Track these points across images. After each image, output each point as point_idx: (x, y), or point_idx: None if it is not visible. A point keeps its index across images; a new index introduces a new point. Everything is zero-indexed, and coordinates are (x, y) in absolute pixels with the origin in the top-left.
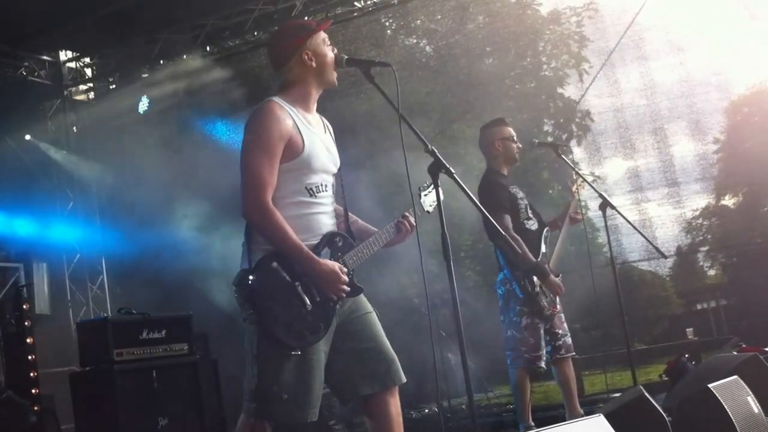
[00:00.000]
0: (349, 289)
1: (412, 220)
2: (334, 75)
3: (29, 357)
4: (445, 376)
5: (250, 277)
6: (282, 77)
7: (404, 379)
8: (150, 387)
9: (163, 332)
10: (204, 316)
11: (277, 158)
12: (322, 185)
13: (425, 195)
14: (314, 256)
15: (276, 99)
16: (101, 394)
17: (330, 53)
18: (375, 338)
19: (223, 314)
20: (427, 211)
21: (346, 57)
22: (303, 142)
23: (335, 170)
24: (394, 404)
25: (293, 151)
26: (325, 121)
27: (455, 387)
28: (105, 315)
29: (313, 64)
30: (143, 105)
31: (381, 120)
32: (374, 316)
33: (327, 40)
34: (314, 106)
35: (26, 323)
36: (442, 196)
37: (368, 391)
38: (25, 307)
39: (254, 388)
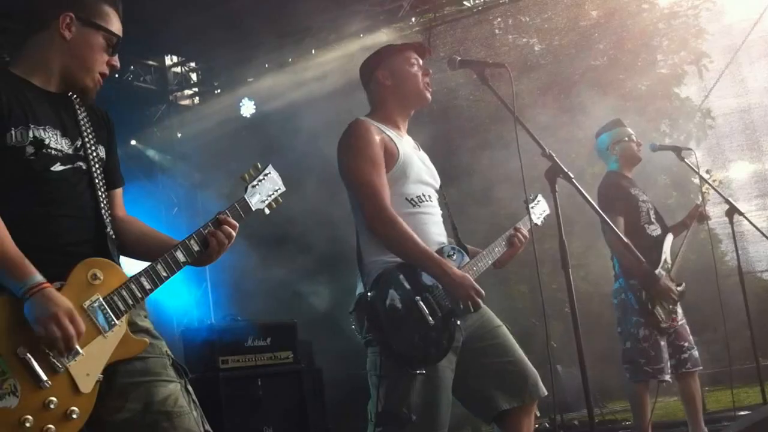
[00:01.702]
0: (483, 296)
1: (525, 231)
2: (421, 93)
3: None
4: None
5: (369, 294)
6: (368, 97)
7: (545, 392)
8: (255, 395)
9: (268, 340)
10: (308, 325)
11: (383, 166)
12: (424, 195)
13: (533, 207)
14: (446, 261)
15: (362, 118)
16: (206, 402)
17: (413, 73)
18: (513, 352)
19: (328, 323)
20: (536, 224)
21: (459, 59)
22: (397, 150)
23: (436, 185)
24: (528, 423)
25: (389, 160)
26: (417, 143)
27: (564, 400)
28: (210, 322)
29: (390, 84)
30: (248, 109)
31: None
32: (506, 330)
33: (414, 59)
34: (403, 126)
35: None
36: (551, 205)
37: (506, 406)
38: None
39: (380, 411)
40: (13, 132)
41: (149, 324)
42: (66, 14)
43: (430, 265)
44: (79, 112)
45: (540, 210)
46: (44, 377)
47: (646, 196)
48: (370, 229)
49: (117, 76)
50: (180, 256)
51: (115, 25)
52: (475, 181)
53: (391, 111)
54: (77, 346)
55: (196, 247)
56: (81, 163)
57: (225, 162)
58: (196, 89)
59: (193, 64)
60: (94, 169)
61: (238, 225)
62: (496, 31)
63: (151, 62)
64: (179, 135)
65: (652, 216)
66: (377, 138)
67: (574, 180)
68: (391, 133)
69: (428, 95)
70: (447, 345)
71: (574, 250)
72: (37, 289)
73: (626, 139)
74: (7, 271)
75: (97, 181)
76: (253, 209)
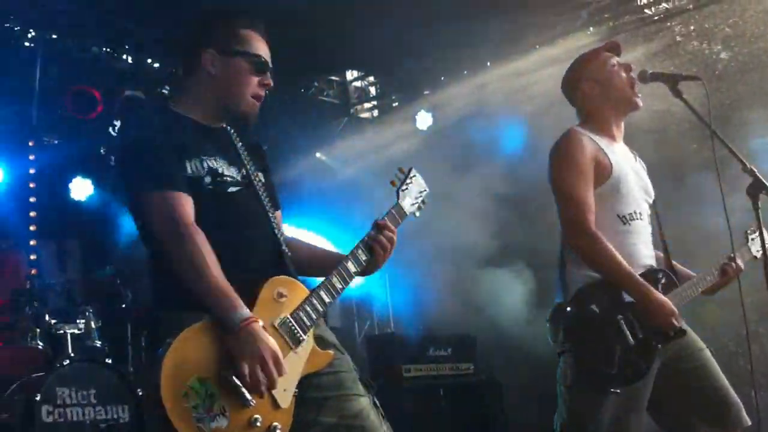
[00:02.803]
0: (681, 325)
1: (741, 263)
2: (630, 96)
3: None
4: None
5: (568, 309)
6: (577, 110)
7: (748, 422)
8: (437, 405)
9: (449, 350)
10: (488, 338)
11: (591, 181)
12: (635, 213)
13: (752, 239)
14: (649, 285)
15: (576, 128)
16: (388, 410)
17: (616, 75)
18: (716, 377)
19: (507, 338)
20: (755, 256)
21: (650, 71)
22: (610, 164)
23: (649, 199)
24: None
25: (602, 174)
26: (634, 152)
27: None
28: (390, 331)
29: (598, 92)
30: (425, 121)
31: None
32: (709, 353)
33: (612, 61)
34: (619, 134)
35: None
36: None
37: None
38: None
39: (566, 423)
40: (187, 165)
41: (335, 339)
42: (207, 52)
43: (630, 287)
44: (237, 144)
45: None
46: (249, 397)
47: None
48: (572, 244)
49: (303, 91)
50: (351, 266)
51: (256, 46)
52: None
53: (604, 120)
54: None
55: (363, 256)
56: (248, 188)
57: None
58: (375, 102)
59: (372, 78)
60: (260, 193)
61: (396, 230)
62: (677, 38)
63: (333, 77)
64: (359, 148)
65: None
66: (588, 150)
67: None
68: (604, 144)
69: (638, 100)
70: (645, 367)
71: None
72: (245, 324)
73: None
74: (218, 302)
75: (265, 203)
76: (407, 213)
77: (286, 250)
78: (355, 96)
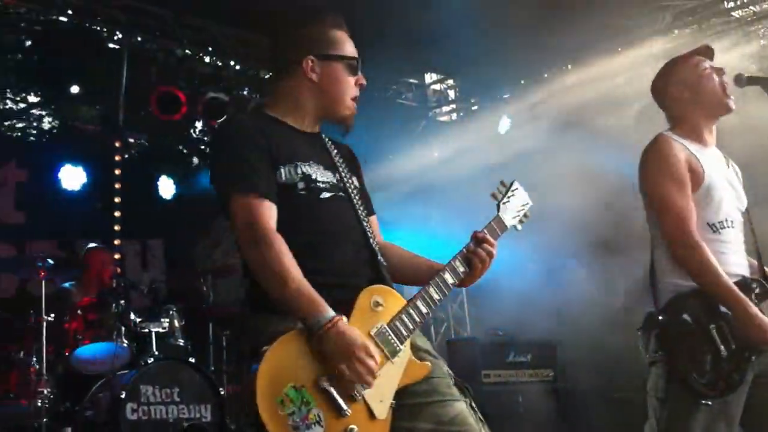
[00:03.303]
0: None
1: None
2: (722, 99)
3: None
4: None
5: (660, 317)
6: (666, 115)
7: None
8: (516, 412)
9: (529, 356)
10: (569, 343)
11: (688, 187)
12: (726, 221)
13: None
14: (747, 300)
15: (666, 133)
16: None
17: (707, 79)
18: None
19: (589, 344)
20: None
21: (746, 75)
22: (702, 170)
23: (742, 207)
24: None
25: (694, 181)
26: (727, 157)
27: None
28: (466, 334)
29: (687, 96)
30: (504, 126)
31: None
32: None
33: (703, 65)
34: (710, 139)
35: None
36: None
37: None
38: None
39: None
40: (282, 170)
41: (429, 345)
42: (307, 59)
43: (730, 301)
44: (330, 148)
45: None
46: (345, 406)
47: None
48: (672, 252)
49: (381, 94)
50: (448, 277)
51: (348, 47)
52: None
53: (694, 124)
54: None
55: (461, 268)
56: (342, 194)
57: (483, 178)
58: (453, 106)
59: (451, 81)
60: (354, 199)
61: (495, 243)
62: (761, 42)
63: (412, 80)
64: (436, 153)
65: None
66: (682, 156)
67: None
68: (695, 149)
69: (730, 103)
70: (738, 379)
71: None
72: (331, 324)
73: None
74: (301, 307)
75: (359, 209)
76: (508, 226)
77: (381, 259)
78: (434, 99)
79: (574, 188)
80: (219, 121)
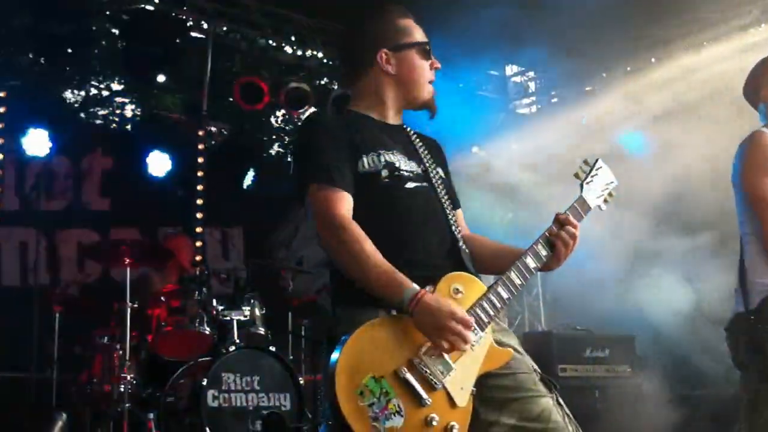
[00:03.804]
0: None
1: None
2: None
3: None
4: None
5: (751, 318)
6: (759, 113)
7: None
8: (592, 407)
9: (606, 351)
10: (647, 339)
11: None
12: None
13: None
14: None
15: (763, 130)
16: None
17: None
18: None
19: (665, 341)
20: None
21: None
22: None
23: None
24: None
25: None
26: None
27: None
28: (541, 328)
29: None
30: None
31: None
32: None
33: None
34: None
35: None
36: None
37: None
38: None
39: None
40: (365, 159)
41: (515, 341)
42: (381, 53)
43: None
44: (415, 140)
45: None
46: (425, 395)
47: None
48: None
49: (461, 85)
50: (530, 262)
51: (417, 33)
52: None
53: None
54: (450, 362)
55: (543, 252)
56: (426, 184)
57: (561, 169)
58: (533, 98)
59: (532, 74)
60: (438, 189)
61: (579, 225)
62: None
63: (492, 72)
64: (514, 146)
65: None
66: None
67: None
68: None
69: None
70: None
71: None
72: (418, 298)
73: None
74: (384, 286)
75: (443, 199)
76: (591, 206)
77: (464, 248)
78: (515, 91)
79: (658, 181)
80: (300, 111)
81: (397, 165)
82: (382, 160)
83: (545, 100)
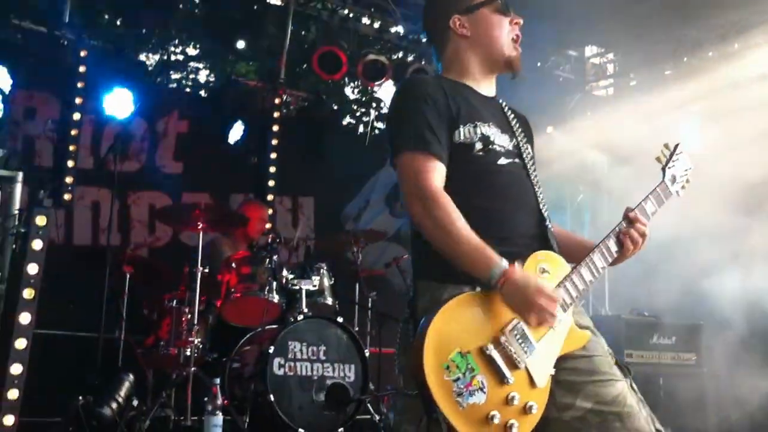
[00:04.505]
0: None
1: None
2: None
3: None
4: None
5: None
6: None
7: None
8: (656, 395)
9: (673, 339)
10: (712, 328)
11: None
12: None
13: None
14: None
15: None
16: None
17: None
18: None
19: (735, 329)
20: None
21: None
22: None
23: None
24: None
25: None
26: None
27: None
28: (604, 312)
29: None
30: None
31: None
32: None
33: None
34: None
35: None
36: None
37: None
38: None
39: None
40: (461, 129)
41: (590, 322)
42: (453, 19)
43: None
44: (509, 114)
45: None
46: (508, 373)
47: None
48: None
49: (539, 64)
50: (611, 247)
51: None
52: None
53: None
54: (534, 341)
55: (614, 248)
56: (517, 160)
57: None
58: (611, 80)
59: (611, 56)
60: (529, 166)
61: (648, 223)
62: None
63: (571, 52)
64: (589, 125)
65: None
66: None
67: None
68: None
69: None
70: None
71: None
72: (508, 276)
73: None
74: (473, 262)
75: (533, 177)
76: (672, 192)
77: (551, 227)
78: (592, 72)
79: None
80: (377, 83)
81: (491, 139)
82: (478, 132)
83: (624, 82)
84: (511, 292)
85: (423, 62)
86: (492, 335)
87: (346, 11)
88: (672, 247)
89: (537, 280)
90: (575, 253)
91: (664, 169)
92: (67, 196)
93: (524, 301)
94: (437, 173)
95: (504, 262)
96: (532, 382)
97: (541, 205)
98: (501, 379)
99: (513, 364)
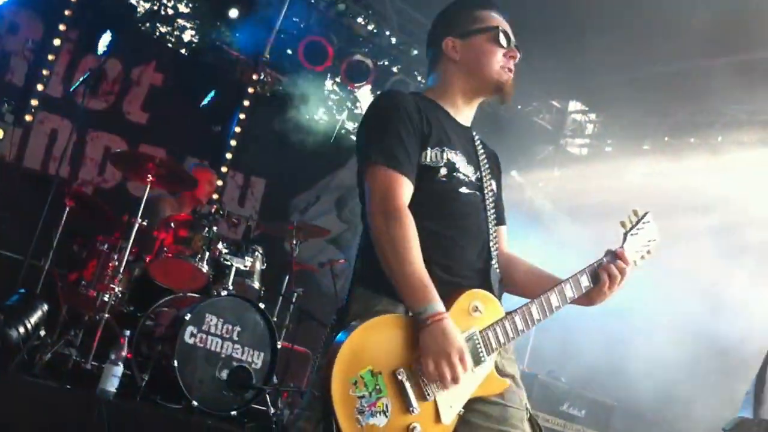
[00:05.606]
0: None
1: None
2: None
3: None
4: None
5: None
6: None
7: None
8: None
9: (583, 412)
10: (629, 408)
11: None
12: None
13: None
14: None
15: None
16: None
17: None
18: None
19: (651, 415)
20: None
21: None
22: None
23: None
24: None
25: None
26: None
27: None
28: (521, 367)
29: None
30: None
31: None
32: None
33: None
34: None
35: None
36: None
37: None
38: None
39: None
40: (429, 151)
41: (516, 371)
42: (447, 41)
43: None
44: (478, 146)
45: None
46: (415, 403)
47: None
48: None
49: (519, 107)
50: (568, 291)
51: (493, 21)
52: None
53: None
54: None
55: (585, 282)
56: (477, 192)
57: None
58: (587, 140)
59: (593, 116)
60: (488, 201)
61: (631, 267)
62: None
63: (554, 102)
64: (555, 179)
65: None
66: None
67: None
68: None
69: None
70: None
71: None
72: (438, 319)
73: None
74: (413, 290)
75: (489, 212)
76: (629, 260)
77: (496, 267)
78: (571, 128)
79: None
80: (357, 84)
81: (456, 166)
82: (444, 157)
83: (600, 145)
84: (434, 334)
85: (406, 77)
86: (408, 362)
87: (344, 6)
88: (604, 317)
89: (463, 342)
90: (539, 289)
91: (625, 235)
92: (28, 117)
93: (440, 348)
94: (405, 191)
95: (441, 306)
96: (437, 417)
97: (491, 242)
98: (407, 407)
99: (422, 395)
